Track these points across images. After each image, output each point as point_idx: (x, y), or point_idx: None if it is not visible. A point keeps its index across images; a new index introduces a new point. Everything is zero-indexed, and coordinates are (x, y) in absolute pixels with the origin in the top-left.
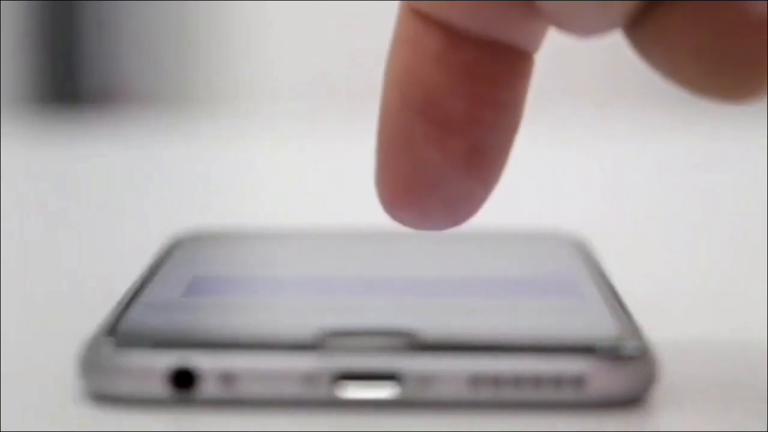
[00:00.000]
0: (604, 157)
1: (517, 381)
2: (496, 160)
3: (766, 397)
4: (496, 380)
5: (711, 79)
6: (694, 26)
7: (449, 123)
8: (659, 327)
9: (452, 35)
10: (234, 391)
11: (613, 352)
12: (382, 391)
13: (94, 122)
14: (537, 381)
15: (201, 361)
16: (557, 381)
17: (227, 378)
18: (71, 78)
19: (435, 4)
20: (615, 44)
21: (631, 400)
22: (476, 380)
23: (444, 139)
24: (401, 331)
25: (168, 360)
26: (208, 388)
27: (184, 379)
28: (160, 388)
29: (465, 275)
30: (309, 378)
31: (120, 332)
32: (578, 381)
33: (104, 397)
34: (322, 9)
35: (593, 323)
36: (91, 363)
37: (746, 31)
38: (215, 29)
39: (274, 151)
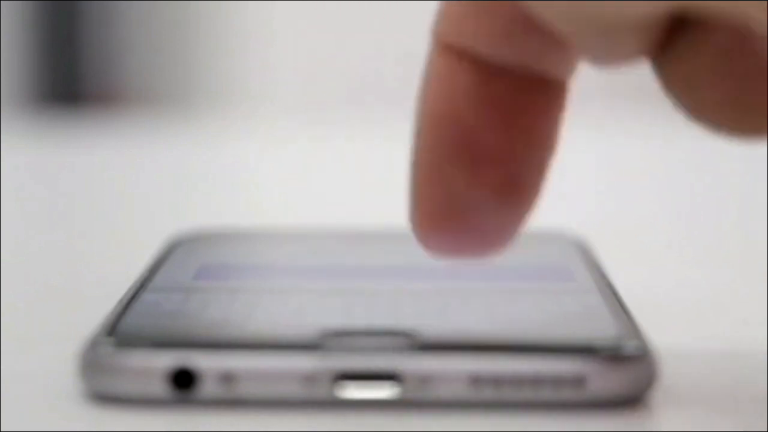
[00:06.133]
0: (604, 157)
1: (517, 381)
2: (530, 190)
3: (766, 398)
4: (496, 380)
5: (735, 119)
6: (722, 65)
7: (483, 155)
8: (659, 327)
9: (483, 68)
10: (234, 391)
11: (613, 352)
12: (382, 391)
13: (94, 122)
14: (537, 381)
15: (201, 361)
16: (557, 381)
17: (227, 378)
18: (71, 78)
19: (465, 35)
20: None
21: (631, 400)
22: (476, 380)
23: (478, 170)
24: (401, 331)
25: (168, 360)
26: (208, 388)
27: (184, 379)
28: (160, 388)
29: (465, 275)
30: (309, 378)
31: (120, 332)
32: (578, 381)
33: (104, 397)
34: (322, 9)
35: (593, 323)
36: (91, 363)
37: None
38: (215, 29)
39: (274, 151)
